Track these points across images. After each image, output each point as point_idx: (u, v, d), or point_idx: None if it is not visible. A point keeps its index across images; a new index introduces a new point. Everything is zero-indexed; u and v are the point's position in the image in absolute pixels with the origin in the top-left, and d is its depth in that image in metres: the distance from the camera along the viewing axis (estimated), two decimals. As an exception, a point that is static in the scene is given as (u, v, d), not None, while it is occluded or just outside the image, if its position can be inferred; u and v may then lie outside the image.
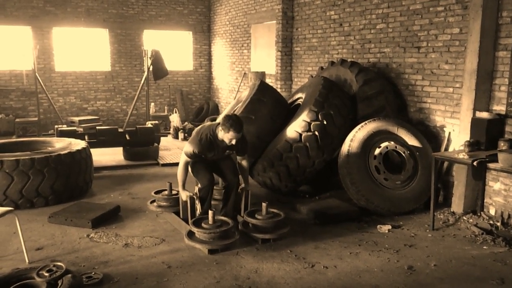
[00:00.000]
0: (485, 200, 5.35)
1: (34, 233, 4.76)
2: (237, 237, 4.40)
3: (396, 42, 6.51)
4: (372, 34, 6.93)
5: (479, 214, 5.31)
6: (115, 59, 11.93)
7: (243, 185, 4.96)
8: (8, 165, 5.38)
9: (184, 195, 4.79)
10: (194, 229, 4.37)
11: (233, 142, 4.51)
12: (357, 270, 3.98)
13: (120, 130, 8.43)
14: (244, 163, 4.94)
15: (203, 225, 4.38)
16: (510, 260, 4.21)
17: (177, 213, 5.06)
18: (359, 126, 5.65)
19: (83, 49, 11.77)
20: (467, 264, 4.13)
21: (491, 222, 5.09)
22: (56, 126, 8.46)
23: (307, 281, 3.78)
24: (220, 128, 4.50)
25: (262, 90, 6.22)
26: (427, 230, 4.93)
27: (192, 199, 4.74)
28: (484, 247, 4.50)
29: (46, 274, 3.33)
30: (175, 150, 9.11)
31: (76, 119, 10.67)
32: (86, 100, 11.78)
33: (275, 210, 4.76)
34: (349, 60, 6.92)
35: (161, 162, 7.95)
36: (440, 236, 4.80)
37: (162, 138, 9.25)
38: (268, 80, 9.19)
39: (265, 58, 10.09)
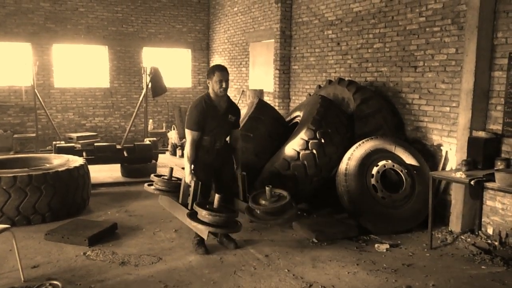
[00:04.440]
0: (482, 219, 5.35)
1: (30, 250, 4.73)
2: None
3: (393, 61, 6.58)
4: (370, 53, 7.01)
5: (477, 233, 5.30)
6: (114, 75, 11.99)
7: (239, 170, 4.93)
8: (6, 181, 5.37)
9: (189, 178, 4.60)
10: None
11: (224, 85, 4.52)
12: (355, 289, 3.97)
13: (118, 146, 8.43)
14: (238, 138, 4.96)
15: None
16: (509, 280, 4.19)
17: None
18: (356, 145, 5.68)
19: (82, 66, 11.83)
20: (466, 284, 4.12)
21: (489, 241, 5.08)
22: (54, 143, 8.45)
23: (305, 301, 3.76)
24: (207, 82, 4.63)
25: (260, 108, 6.26)
26: (425, 249, 4.92)
27: (196, 183, 4.56)
28: (483, 266, 4.49)
29: (42, 293, 3.31)
30: (173, 167, 9.08)
31: (74, 135, 10.67)
32: (85, 116, 11.80)
33: (279, 191, 4.73)
34: (346, 79, 6.98)
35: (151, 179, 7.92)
36: (438, 255, 4.79)
37: (160, 155, 9.24)
38: (266, 98, 9.24)
39: (263, 76, 10.16)
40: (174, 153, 10.49)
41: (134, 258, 4.57)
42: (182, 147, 10.43)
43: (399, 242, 5.12)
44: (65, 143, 9.02)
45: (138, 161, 8.12)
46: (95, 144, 8.28)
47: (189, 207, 4.53)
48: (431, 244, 4.96)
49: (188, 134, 4.61)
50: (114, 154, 8.04)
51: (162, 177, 5.19)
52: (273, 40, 9.29)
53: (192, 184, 4.56)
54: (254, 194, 4.71)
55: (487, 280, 4.18)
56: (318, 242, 5.05)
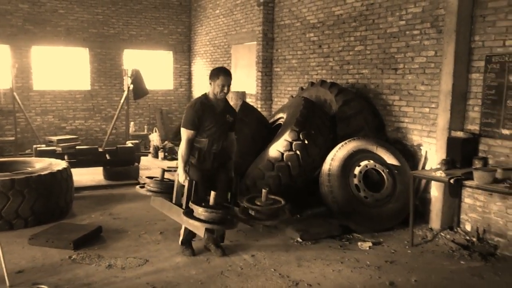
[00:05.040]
0: (461, 216, 5.51)
1: (14, 255, 4.67)
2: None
3: (374, 63, 6.71)
4: (351, 56, 7.14)
5: (456, 230, 5.46)
6: (94, 78, 11.90)
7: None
8: (-13, 186, 5.31)
9: (183, 177, 4.52)
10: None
11: (225, 90, 4.49)
12: (340, 287, 4.05)
13: (100, 149, 8.38)
14: (233, 141, 4.85)
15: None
16: (487, 274, 4.34)
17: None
18: (339, 145, 5.78)
19: (62, 68, 11.71)
20: (446, 279, 4.24)
21: (468, 237, 5.24)
22: (34, 146, 8.36)
23: (292, 299, 3.83)
24: (209, 82, 4.54)
25: (244, 110, 6.32)
26: (407, 247, 5.05)
27: (191, 182, 4.45)
28: (462, 262, 4.64)
29: (30, 297, 3.30)
30: (156, 169, 9.08)
31: (54, 138, 10.53)
32: (65, 119, 11.68)
33: (274, 197, 4.64)
34: (328, 81, 7.09)
35: (142, 181, 7.92)
36: (419, 252, 4.91)
37: (142, 158, 9.23)
38: (248, 100, 9.30)
39: (245, 78, 10.22)
40: (156, 156, 10.48)
41: (121, 261, 4.57)
42: (164, 149, 10.44)
43: (381, 240, 5.23)
44: (46, 146, 8.92)
45: (121, 164, 8.08)
46: (77, 147, 8.22)
47: (184, 206, 4.45)
48: (412, 241, 5.09)
49: (183, 133, 4.55)
50: (96, 157, 8.00)
51: (154, 178, 5.10)
52: (255, 42, 9.36)
53: (186, 184, 4.47)
54: (249, 196, 4.65)
55: (467, 275, 4.32)
56: (303, 241, 5.13)
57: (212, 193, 4.18)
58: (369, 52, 6.80)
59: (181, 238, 4.81)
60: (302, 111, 5.96)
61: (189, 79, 13.14)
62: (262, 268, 4.44)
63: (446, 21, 5.45)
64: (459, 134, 5.31)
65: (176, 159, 9.79)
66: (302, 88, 7.43)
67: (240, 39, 10.29)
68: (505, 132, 5.02)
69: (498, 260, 4.72)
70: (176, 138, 12.08)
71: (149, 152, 10.72)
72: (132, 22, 12.16)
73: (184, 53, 12.99)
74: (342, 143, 5.79)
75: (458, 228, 5.49)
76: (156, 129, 11.74)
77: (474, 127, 5.36)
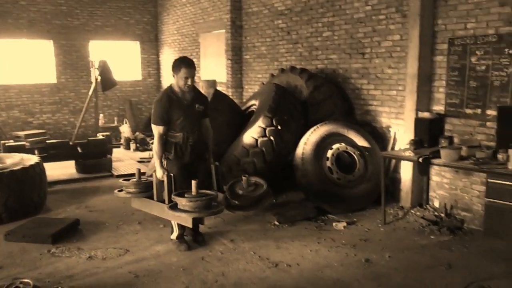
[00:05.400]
0: (430, 194, 5.76)
1: (-9, 252, 4.64)
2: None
3: (342, 49, 6.85)
4: (319, 41, 7.26)
5: (425, 207, 5.71)
6: (60, 70, 11.65)
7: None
8: (-42, 183, 5.20)
9: (161, 172, 4.47)
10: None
11: (189, 82, 4.38)
12: (319, 266, 4.20)
13: (71, 143, 8.27)
14: (208, 127, 4.76)
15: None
16: (455, 246, 4.59)
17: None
18: (311, 130, 5.92)
19: (26, 61, 11.41)
20: (418, 253, 4.46)
21: (436, 213, 5.49)
22: (2, 142, 8.17)
23: (272, 279, 3.95)
24: (172, 75, 4.45)
25: (217, 98, 6.37)
26: (380, 225, 5.25)
27: (169, 177, 4.43)
28: (432, 236, 4.87)
29: (13, 291, 3.31)
30: (129, 161, 9.05)
31: (22, 133, 10.25)
32: (31, 113, 11.42)
33: (255, 179, 4.73)
34: (298, 67, 7.20)
35: (115, 173, 7.89)
36: (391, 229, 5.13)
37: (114, 150, 9.15)
38: (219, 88, 9.32)
39: (214, 67, 10.23)
40: (127, 147, 10.41)
41: (101, 252, 4.59)
42: (136, 140, 10.38)
43: (355, 219, 5.42)
44: (14, 142, 8.72)
45: (93, 156, 8.01)
46: (47, 141, 8.09)
47: (166, 201, 4.43)
48: (384, 220, 5.30)
49: (154, 129, 4.48)
50: (68, 151, 7.90)
51: (131, 179, 4.98)
52: (223, 30, 9.37)
53: (165, 179, 4.42)
54: (231, 183, 4.69)
55: (436, 248, 4.55)
56: (280, 224, 5.27)
57: (193, 182, 4.14)
58: (336, 38, 6.93)
59: (175, 233, 4.72)
60: (274, 97, 6.06)
61: (158, 69, 13.02)
62: (242, 251, 4.55)
63: (410, 6, 5.62)
64: (426, 115, 5.52)
65: (149, 149, 9.90)
66: (272, 75, 7.52)
67: (208, 28, 10.26)
68: (468, 111, 5.26)
69: (465, 233, 4.98)
70: (147, 129, 12.01)
71: (121, 144, 10.64)
72: (97, 13, 11.93)
73: (152, 43, 12.85)
74: (314, 127, 5.93)
75: (427, 205, 5.73)
76: (126, 120, 11.63)
77: (439, 108, 5.58)
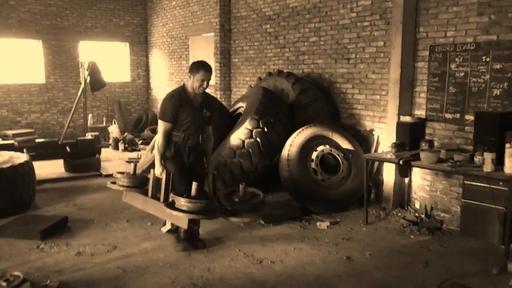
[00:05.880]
0: (411, 195, 5.95)
1: (-20, 248, 4.71)
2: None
3: (328, 54, 7.04)
4: (306, 46, 7.44)
5: (406, 208, 5.89)
6: (49, 71, 11.68)
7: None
8: None
9: (159, 169, 4.49)
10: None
11: (204, 85, 4.40)
12: (302, 263, 4.35)
13: (60, 142, 8.33)
14: (210, 136, 4.80)
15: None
16: (433, 246, 4.77)
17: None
18: (297, 132, 6.07)
19: (15, 61, 11.42)
20: (398, 252, 4.63)
21: (417, 214, 5.68)
22: (-10, 140, 8.22)
23: (256, 275, 4.09)
24: (188, 75, 4.44)
25: (205, 100, 6.48)
26: (362, 225, 5.42)
27: (168, 175, 4.41)
28: (412, 236, 5.05)
29: (4, 284, 3.39)
30: (117, 161, 9.13)
31: (10, 132, 10.33)
32: (19, 113, 11.43)
33: (252, 190, 4.64)
34: (285, 71, 7.37)
35: (104, 173, 7.97)
36: (373, 229, 5.29)
37: (103, 150, 9.22)
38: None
39: (204, 69, 10.33)
40: (116, 147, 10.47)
41: (89, 248, 4.69)
42: (124, 140, 10.45)
43: (338, 220, 5.58)
44: (2, 140, 8.77)
45: (82, 156, 8.09)
46: (37, 140, 8.14)
47: (162, 200, 4.42)
48: (366, 220, 5.47)
49: (161, 124, 4.49)
50: (57, 150, 7.98)
51: (126, 173, 4.98)
52: (212, 33, 9.51)
53: (164, 176, 4.43)
54: (227, 192, 4.64)
55: (416, 247, 4.73)
56: (265, 223, 5.40)
57: (194, 184, 4.11)
58: (323, 43, 7.12)
59: (168, 226, 4.79)
60: (261, 100, 6.21)
61: (147, 70, 13.11)
62: (227, 248, 4.68)
63: (393, 14, 5.82)
64: (408, 119, 5.71)
65: (137, 150, 9.98)
66: (260, 78, 7.67)
67: (198, 31, 10.40)
68: (448, 116, 5.46)
69: (444, 233, 5.17)
70: (136, 130, 12.09)
71: (109, 144, 10.70)
72: (86, 14, 11.99)
73: (141, 45, 12.94)
74: (300, 129, 6.09)
75: (409, 206, 5.92)
76: (115, 121, 11.70)
77: (421, 112, 5.78)
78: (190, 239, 4.63)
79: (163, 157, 4.53)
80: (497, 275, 4.04)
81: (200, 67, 4.40)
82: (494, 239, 4.67)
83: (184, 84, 4.56)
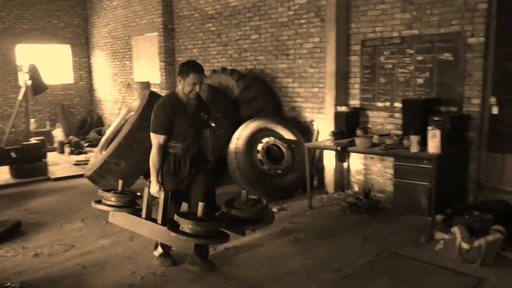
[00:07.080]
0: (350, 179, 6.44)
1: None
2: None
3: (268, 50, 7.40)
4: (248, 44, 7.77)
5: (346, 191, 6.37)
6: (-14, 75, 11.35)
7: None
8: None
9: (156, 188, 4.01)
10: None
11: (197, 89, 3.93)
12: (253, 246, 4.69)
13: (4, 148, 8.21)
14: (208, 140, 4.39)
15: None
16: (370, 224, 5.25)
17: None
18: (243, 126, 6.40)
19: None
20: (340, 230, 5.08)
21: (356, 196, 6.14)
22: None
23: (211, 258, 4.36)
24: (178, 79, 3.98)
25: (153, 99, 6.65)
26: (306, 209, 5.83)
27: (167, 194, 3.97)
28: (352, 216, 5.52)
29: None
30: (64, 164, 9.09)
31: None
32: (-45, 120, 11.05)
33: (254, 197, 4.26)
34: (229, 68, 7.66)
35: (52, 176, 7.95)
36: (317, 213, 5.72)
37: (49, 154, 9.13)
38: (153, 90, 9.57)
39: (148, 69, 10.45)
40: (62, 151, 10.36)
41: (47, 249, 4.79)
42: (70, 143, 10.36)
43: (284, 206, 5.97)
44: None
45: (28, 161, 8.01)
46: (-21, 147, 7.98)
47: (160, 221, 3.98)
48: (310, 205, 5.89)
49: (154, 138, 3.97)
50: (1, 156, 7.85)
51: (113, 191, 4.39)
52: (156, 33, 9.64)
53: (162, 195, 3.97)
54: (228, 200, 4.09)
55: (355, 226, 5.20)
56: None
57: (200, 204, 3.66)
58: (263, 40, 7.47)
59: (159, 251, 4.36)
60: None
61: (89, 72, 12.98)
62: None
63: (327, 11, 6.26)
64: (344, 109, 6.18)
65: (84, 152, 9.95)
66: (205, 76, 7.91)
67: (141, 30, 10.47)
68: (379, 104, 5.97)
69: (380, 212, 5.66)
70: (81, 132, 11.97)
71: (55, 148, 10.57)
72: (24, 16, 11.71)
73: (82, 46, 12.80)
74: (245, 123, 6.42)
75: (349, 190, 6.40)
76: (59, 124, 11.54)
77: (355, 102, 6.26)
78: (197, 262, 4.24)
79: (159, 173, 4.06)
80: (425, 243, 4.56)
81: (190, 69, 3.91)
82: (423, 212, 5.21)
83: (175, 90, 4.09)
